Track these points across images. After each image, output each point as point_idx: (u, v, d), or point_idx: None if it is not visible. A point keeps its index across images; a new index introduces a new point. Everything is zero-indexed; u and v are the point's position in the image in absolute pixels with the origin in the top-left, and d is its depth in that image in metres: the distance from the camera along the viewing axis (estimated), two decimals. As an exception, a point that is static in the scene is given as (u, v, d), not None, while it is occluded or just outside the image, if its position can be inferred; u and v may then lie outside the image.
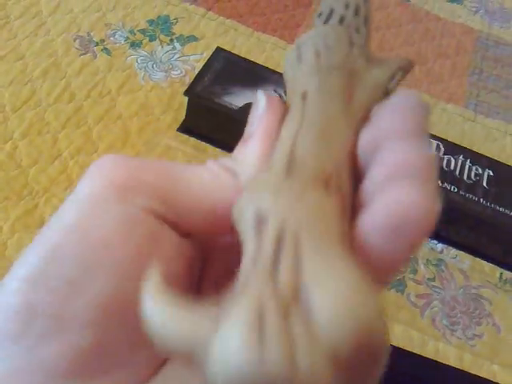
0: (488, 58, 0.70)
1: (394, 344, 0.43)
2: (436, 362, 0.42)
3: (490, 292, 0.48)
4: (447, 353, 0.44)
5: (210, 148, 0.54)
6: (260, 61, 0.62)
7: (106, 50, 0.59)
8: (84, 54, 0.58)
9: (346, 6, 0.22)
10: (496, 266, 0.50)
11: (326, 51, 0.20)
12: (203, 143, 0.54)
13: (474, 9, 0.77)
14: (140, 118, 0.54)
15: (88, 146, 0.51)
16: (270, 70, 0.56)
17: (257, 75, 0.55)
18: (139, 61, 0.59)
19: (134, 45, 0.60)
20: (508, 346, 0.45)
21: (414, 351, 0.43)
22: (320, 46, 0.21)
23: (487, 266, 0.50)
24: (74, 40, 0.59)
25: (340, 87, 0.19)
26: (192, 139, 0.54)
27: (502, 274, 0.50)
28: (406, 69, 0.21)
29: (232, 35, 0.65)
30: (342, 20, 0.22)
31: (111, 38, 0.60)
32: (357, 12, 0.22)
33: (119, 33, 0.61)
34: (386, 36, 0.70)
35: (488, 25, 0.75)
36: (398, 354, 0.41)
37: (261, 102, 0.20)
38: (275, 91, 0.54)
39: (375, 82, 0.20)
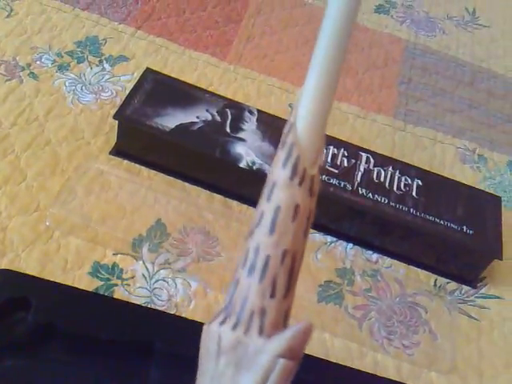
0: (416, 66, 0.72)
1: (333, 359, 0.43)
2: (373, 375, 0.42)
3: (425, 299, 0.49)
4: (386, 363, 0.45)
5: (144, 170, 0.53)
6: (193, 79, 0.62)
7: (33, 75, 0.58)
8: (10, 79, 0.57)
9: None
10: (430, 273, 0.52)
11: None
12: (137, 165, 0.53)
13: (400, 19, 0.79)
14: (70, 143, 0.53)
15: (16, 175, 0.49)
16: (202, 89, 0.56)
17: (188, 95, 0.55)
18: (67, 84, 0.58)
19: (62, 68, 0.59)
20: (444, 353, 0.46)
21: (353, 364, 0.44)
22: None
23: (422, 273, 0.52)
24: (-1, 65, 0.57)
25: None
26: (125, 162, 0.53)
27: (436, 280, 0.52)
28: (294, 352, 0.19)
29: (163, 54, 0.64)
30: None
31: (38, 62, 0.59)
32: None
33: (46, 56, 0.60)
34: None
35: (415, 34, 0.77)
36: (336, 369, 0.41)
37: None
38: (207, 111, 0.54)
39: None
